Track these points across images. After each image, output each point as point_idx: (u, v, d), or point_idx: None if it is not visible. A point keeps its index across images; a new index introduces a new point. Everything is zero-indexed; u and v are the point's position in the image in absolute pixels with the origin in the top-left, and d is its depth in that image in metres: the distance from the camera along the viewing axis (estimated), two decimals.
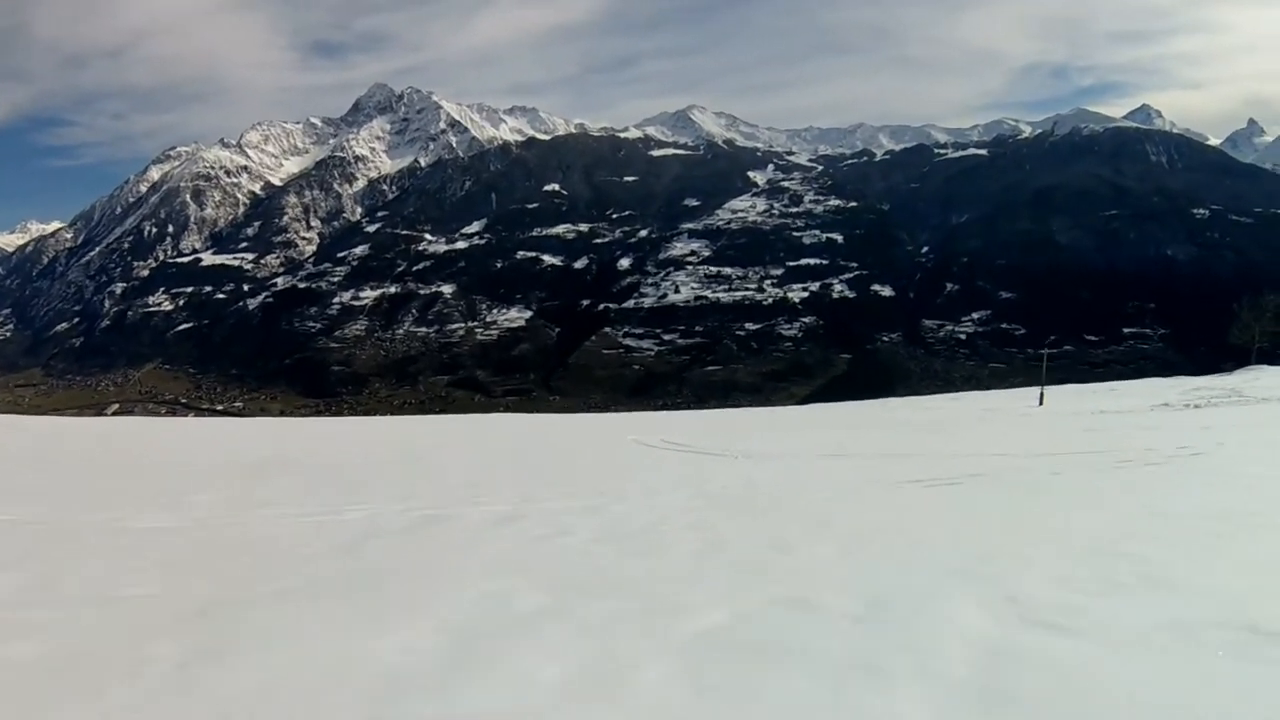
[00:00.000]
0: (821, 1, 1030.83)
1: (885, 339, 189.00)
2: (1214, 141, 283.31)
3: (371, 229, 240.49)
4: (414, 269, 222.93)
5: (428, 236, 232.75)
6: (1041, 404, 31.94)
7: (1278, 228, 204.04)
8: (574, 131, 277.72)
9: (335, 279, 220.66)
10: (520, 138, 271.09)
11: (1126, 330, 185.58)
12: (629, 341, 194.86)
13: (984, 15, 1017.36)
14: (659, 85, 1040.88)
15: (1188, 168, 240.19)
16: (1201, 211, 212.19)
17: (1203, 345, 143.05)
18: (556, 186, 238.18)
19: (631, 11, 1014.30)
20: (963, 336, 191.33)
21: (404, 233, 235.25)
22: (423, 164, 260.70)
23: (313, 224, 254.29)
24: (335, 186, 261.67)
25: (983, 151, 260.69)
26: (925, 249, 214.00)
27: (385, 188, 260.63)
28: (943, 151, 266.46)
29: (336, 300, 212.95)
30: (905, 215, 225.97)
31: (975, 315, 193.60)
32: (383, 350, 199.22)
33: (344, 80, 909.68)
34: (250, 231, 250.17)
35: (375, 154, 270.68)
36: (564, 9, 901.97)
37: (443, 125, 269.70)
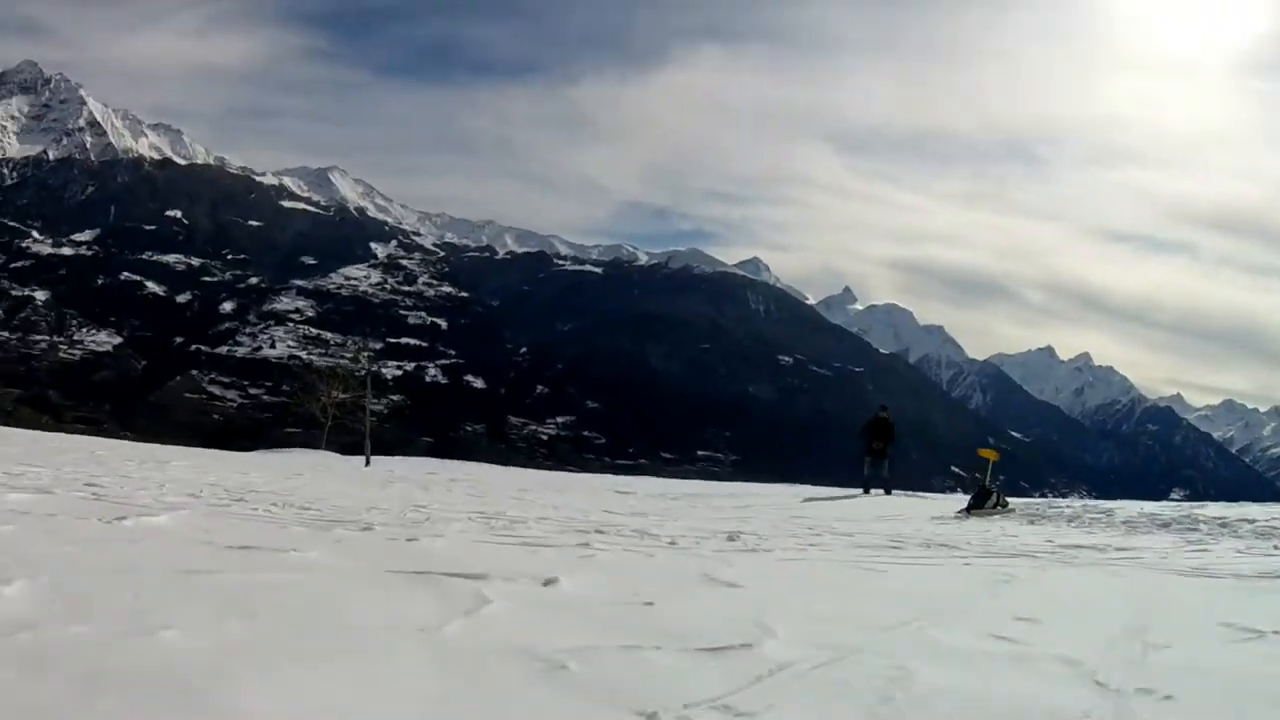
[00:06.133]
0: (454, 103, 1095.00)
1: (469, 429, 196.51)
2: (811, 301, 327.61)
3: None
4: (11, 266, 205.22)
5: (35, 235, 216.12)
6: None
7: (850, 382, 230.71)
8: (211, 163, 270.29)
9: None
10: (157, 155, 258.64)
11: (700, 453, 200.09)
12: (214, 389, 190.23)
13: (593, 153, 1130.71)
14: (301, 142, 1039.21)
15: (782, 319, 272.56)
16: (787, 359, 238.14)
17: (767, 474, 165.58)
18: (179, 214, 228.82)
19: (282, 73, 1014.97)
20: (544, 437, 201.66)
21: (11, 224, 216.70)
22: (51, 156, 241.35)
23: None
24: None
25: (599, 270, 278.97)
26: (524, 350, 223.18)
27: (6, 171, 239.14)
28: (562, 262, 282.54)
29: None
30: (512, 315, 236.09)
31: (560, 419, 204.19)
32: None
33: None
34: None
35: (5, 133, 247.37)
36: (218, 52, 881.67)
37: (82, 122, 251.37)
